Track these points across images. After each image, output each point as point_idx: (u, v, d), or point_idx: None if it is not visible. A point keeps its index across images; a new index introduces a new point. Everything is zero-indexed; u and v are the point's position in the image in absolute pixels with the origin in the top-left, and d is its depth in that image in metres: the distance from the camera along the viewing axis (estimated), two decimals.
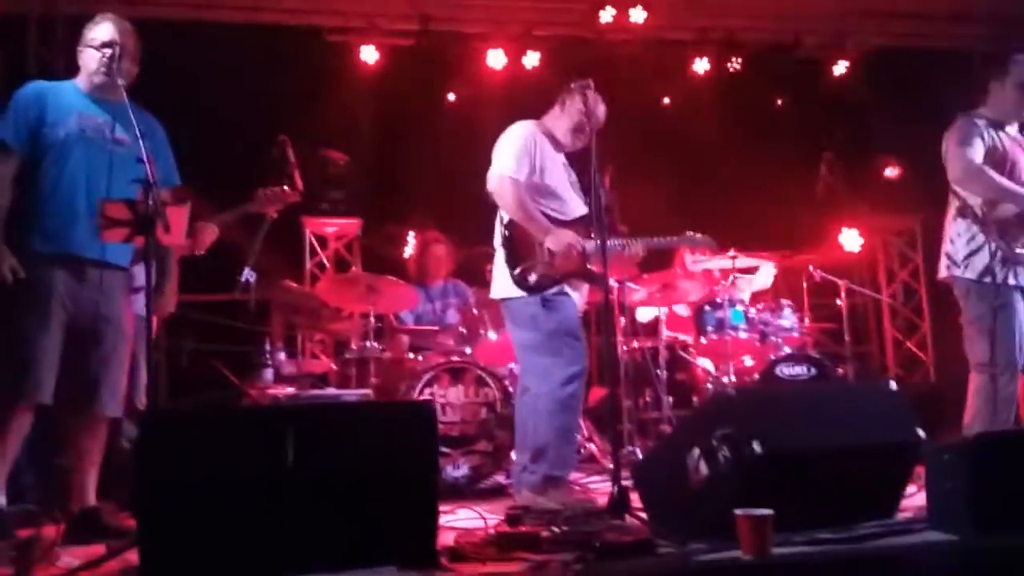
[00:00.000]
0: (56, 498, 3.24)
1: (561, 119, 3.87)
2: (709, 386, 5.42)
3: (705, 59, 7.09)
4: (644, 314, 5.82)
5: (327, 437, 2.42)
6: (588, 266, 3.71)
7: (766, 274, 5.78)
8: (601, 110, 3.81)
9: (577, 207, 3.83)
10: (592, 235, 3.68)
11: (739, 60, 7.10)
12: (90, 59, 3.28)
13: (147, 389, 3.24)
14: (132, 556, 2.41)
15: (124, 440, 3.76)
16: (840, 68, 7.21)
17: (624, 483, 3.10)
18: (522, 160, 3.70)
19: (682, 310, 5.91)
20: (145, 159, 2.88)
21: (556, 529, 2.76)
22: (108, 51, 3.22)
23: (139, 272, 3.37)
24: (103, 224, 2.92)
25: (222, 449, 2.36)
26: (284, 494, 2.34)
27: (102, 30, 3.28)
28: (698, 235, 4.12)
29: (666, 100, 7.34)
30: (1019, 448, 2.64)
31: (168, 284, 3.83)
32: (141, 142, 2.96)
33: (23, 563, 2.38)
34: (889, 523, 2.76)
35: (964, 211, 3.89)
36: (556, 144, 3.87)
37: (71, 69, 3.39)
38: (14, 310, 3.09)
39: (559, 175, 3.83)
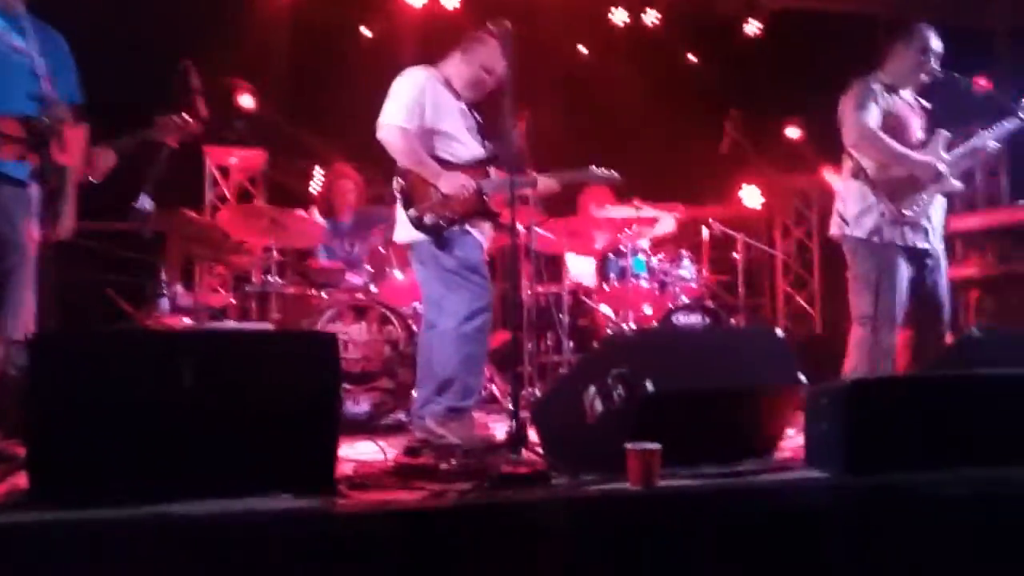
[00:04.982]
0: None
1: (460, 68, 3.84)
2: (609, 332, 5.56)
3: (622, 9, 7.15)
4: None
5: (226, 364, 2.40)
6: (485, 202, 3.74)
7: (668, 221, 5.91)
8: (502, 65, 3.66)
9: (473, 150, 3.83)
10: (489, 175, 3.75)
11: (658, 16, 7.20)
12: None
13: (36, 315, 3.13)
14: (20, 480, 2.36)
15: (12, 367, 3.62)
16: (752, 28, 7.37)
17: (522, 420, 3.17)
18: (412, 109, 3.68)
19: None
20: (42, 74, 2.75)
21: (455, 461, 2.82)
22: None
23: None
24: None
25: (116, 373, 2.31)
26: (179, 420, 2.31)
27: None
28: (602, 169, 4.14)
29: (583, 50, 7.38)
30: (890, 393, 2.79)
31: (64, 207, 3.67)
32: (39, 55, 2.83)
33: None
34: (768, 461, 2.93)
35: (857, 173, 4.05)
36: (452, 90, 3.85)
37: None
38: None
39: (454, 120, 3.80)
